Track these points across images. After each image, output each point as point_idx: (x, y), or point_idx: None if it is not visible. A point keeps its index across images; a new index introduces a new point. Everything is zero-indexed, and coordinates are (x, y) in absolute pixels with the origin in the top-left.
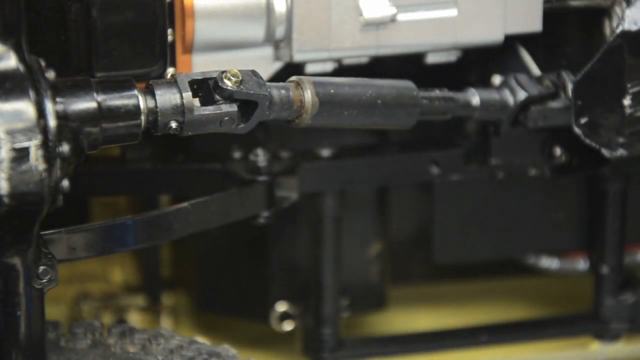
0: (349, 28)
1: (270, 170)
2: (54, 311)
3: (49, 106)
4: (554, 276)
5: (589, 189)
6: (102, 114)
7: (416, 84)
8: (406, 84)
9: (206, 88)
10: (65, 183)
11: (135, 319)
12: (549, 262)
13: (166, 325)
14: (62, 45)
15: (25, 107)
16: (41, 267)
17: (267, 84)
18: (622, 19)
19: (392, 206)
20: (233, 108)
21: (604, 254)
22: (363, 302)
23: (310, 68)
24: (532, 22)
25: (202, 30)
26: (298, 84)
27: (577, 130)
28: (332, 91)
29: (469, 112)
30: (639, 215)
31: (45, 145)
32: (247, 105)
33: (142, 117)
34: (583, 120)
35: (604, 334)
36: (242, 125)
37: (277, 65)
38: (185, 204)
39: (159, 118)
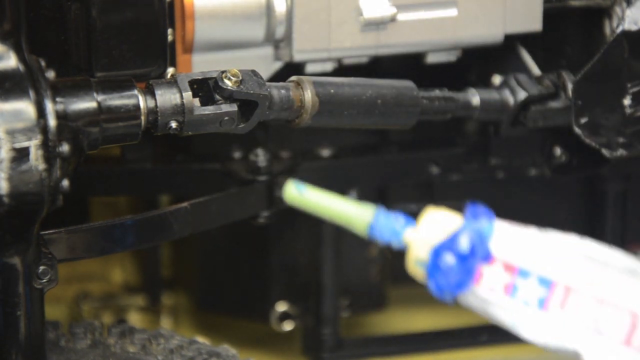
0: (349, 28)
1: (270, 170)
2: (54, 311)
3: (49, 106)
4: None
5: (589, 189)
6: (102, 113)
7: (416, 84)
8: (406, 84)
9: (206, 88)
10: (65, 183)
11: (135, 319)
12: None
13: (166, 325)
14: (62, 45)
15: (25, 107)
16: (41, 267)
17: (267, 83)
18: (622, 19)
19: (392, 206)
20: (233, 108)
21: None
22: (363, 302)
23: (310, 68)
24: (532, 21)
25: (202, 30)
26: (298, 84)
27: (577, 130)
28: (332, 91)
29: (469, 112)
30: (639, 215)
31: (45, 145)
32: (247, 105)
33: (142, 117)
34: (583, 120)
35: None
36: (242, 125)
37: (277, 65)
38: (185, 204)
39: (159, 118)
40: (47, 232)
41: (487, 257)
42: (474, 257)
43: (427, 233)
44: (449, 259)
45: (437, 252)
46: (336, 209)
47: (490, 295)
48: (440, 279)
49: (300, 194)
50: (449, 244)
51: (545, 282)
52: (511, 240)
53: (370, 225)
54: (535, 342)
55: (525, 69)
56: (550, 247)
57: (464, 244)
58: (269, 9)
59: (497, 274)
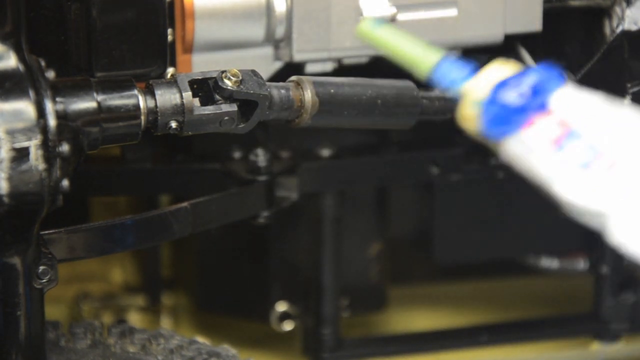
0: (349, 28)
1: (270, 170)
2: (54, 311)
3: (49, 106)
4: (554, 276)
5: None
6: (102, 113)
7: (416, 84)
8: (406, 84)
9: (206, 88)
10: (65, 183)
11: (135, 319)
12: (549, 262)
13: (166, 325)
14: (62, 45)
15: (25, 107)
16: (41, 267)
17: (267, 83)
18: (622, 19)
19: (392, 206)
20: (233, 108)
21: (604, 254)
22: (363, 302)
23: (310, 68)
24: (532, 21)
25: (202, 30)
26: (298, 84)
27: None
28: (332, 91)
29: None
30: None
31: (45, 145)
32: (247, 105)
33: (142, 117)
34: None
35: (604, 334)
36: (242, 125)
37: (277, 65)
38: (185, 204)
39: (159, 118)
40: (47, 232)
41: (545, 106)
42: (533, 100)
43: (490, 77)
44: (511, 93)
45: (500, 86)
46: (404, 48)
47: (537, 144)
48: (496, 113)
49: (372, 29)
50: (514, 80)
51: (594, 149)
52: (574, 101)
53: (433, 69)
54: (566, 200)
55: None
56: (611, 118)
57: (528, 83)
58: (269, 9)
59: (550, 126)
